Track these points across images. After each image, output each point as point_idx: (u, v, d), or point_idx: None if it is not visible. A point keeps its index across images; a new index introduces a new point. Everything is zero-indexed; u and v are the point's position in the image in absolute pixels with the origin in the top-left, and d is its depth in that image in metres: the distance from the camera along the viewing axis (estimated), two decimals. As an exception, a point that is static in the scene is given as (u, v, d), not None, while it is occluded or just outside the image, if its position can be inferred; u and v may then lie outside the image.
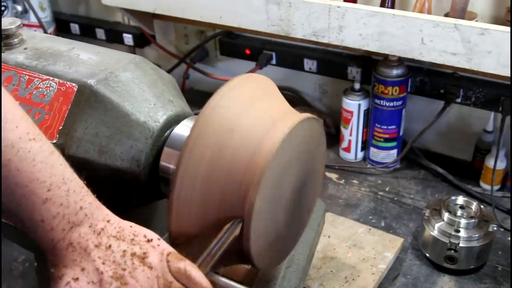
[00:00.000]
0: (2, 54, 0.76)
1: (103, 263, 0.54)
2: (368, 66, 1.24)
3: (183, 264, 0.56)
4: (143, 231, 0.58)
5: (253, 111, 0.64)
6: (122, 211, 0.61)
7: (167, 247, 0.58)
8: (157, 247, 0.57)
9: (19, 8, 1.50)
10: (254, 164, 0.60)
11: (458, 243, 0.95)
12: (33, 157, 0.53)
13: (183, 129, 0.71)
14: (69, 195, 0.55)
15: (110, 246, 0.55)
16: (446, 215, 0.98)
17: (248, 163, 0.60)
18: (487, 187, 1.18)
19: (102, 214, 0.57)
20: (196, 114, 0.65)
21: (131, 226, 0.58)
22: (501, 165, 1.16)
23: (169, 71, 1.50)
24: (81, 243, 0.55)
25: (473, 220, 0.97)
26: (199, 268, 0.58)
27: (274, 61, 1.39)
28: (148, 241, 0.57)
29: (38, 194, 0.53)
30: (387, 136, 1.24)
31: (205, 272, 0.58)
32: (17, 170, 0.52)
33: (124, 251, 0.55)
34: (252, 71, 1.39)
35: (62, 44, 0.78)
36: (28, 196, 0.53)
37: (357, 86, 1.24)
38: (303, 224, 0.76)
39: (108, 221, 0.57)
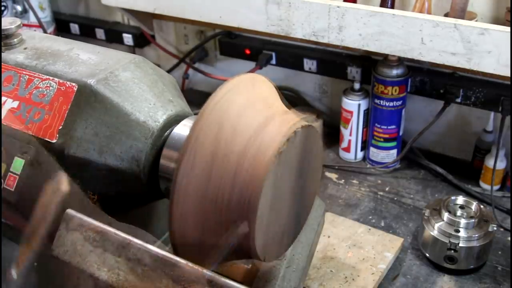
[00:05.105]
0: (2, 54, 0.76)
1: None
2: (368, 66, 1.24)
3: None
4: None
5: (253, 111, 0.64)
6: (122, 211, 0.62)
7: None
8: None
9: (19, 8, 1.50)
10: (255, 165, 0.60)
11: (458, 243, 0.95)
12: None
13: (183, 129, 0.71)
14: None
15: None
16: (446, 215, 0.98)
17: (248, 164, 0.60)
18: (487, 187, 1.18)
19: None
20: (196, 114, 0.65)
21: None
22: (501, 165, 1.16)
23: (169, 71, 1.50)
24: None
25: (473, 220, 0.97)
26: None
27: (274, 61, 1.39)
28: None
29: None
30: (387, 136, 1.23)
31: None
32: None
33: None
34: (252, 71, 1.39)
35: (62, 44, 0.79)
36: None
37: (357, 86, 1.24)
38: (303, 220, 0.76)
39: None
